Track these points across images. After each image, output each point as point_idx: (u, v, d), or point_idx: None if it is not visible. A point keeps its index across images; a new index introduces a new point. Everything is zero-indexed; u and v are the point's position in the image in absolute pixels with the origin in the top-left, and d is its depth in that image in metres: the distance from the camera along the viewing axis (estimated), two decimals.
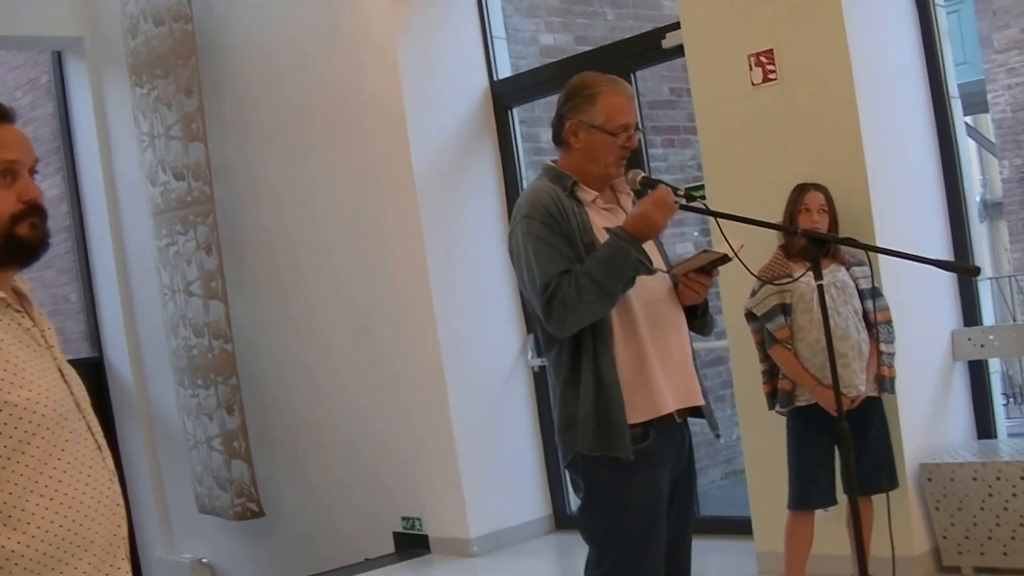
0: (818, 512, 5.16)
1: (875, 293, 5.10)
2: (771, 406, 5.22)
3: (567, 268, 3.38)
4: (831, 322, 4.86)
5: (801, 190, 5.12)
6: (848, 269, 5.05)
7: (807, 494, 5.08)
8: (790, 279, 4.92)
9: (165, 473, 9.72)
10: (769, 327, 5.04)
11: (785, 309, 5.02)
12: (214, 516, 8.87)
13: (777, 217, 5.03)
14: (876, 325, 5.06)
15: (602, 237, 3.44)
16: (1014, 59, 15.49)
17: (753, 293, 5.14)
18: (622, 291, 3.37)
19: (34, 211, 2.34)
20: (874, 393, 5.01)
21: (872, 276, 5.05)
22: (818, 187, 5.12)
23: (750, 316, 5.15)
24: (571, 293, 3.32)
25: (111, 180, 9.63)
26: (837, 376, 3.75)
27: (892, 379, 5.07)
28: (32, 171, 2.37)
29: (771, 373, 5.18)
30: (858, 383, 4.91)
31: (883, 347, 5.07)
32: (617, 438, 3.39)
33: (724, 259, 3.48)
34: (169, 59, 8.53)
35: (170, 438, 9.46)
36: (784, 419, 5.16)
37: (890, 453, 5.06)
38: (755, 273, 4.72)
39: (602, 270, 3.33)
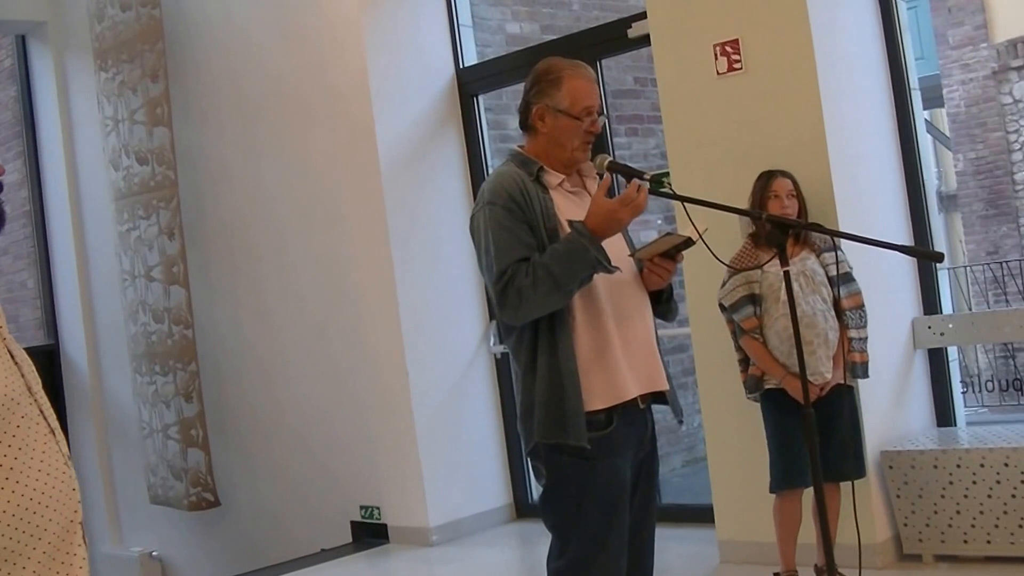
0: None
1: (846, 278, 5.13)
2: (748, 396, 5.26)
3: (525, 256, 3.37)
4: (800, 310, 4.92)
5: (769, 177, 5.14)
6: (819, 255, 5.07)
7: (791, 472, 5.07)
8: (759, 268, 4.95)
9: (116, 464, 9.63)
10: (736, 318, 5.07)
11: (754, 299, 5.04)
12: (167, 507, 8.77)
13: (740, 205, 5.05)
14: (846, 311, 5.09)
15: (566, 223, 3.43)
16: (968, 55, 15.71)
17: (723, 284, 5.17)
18: (578, 287, 3.36)
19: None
20: (843, 381, 5.03)
21: (846, 261, 5.10)
22: (784, 173, 5.15)
23: (722, 307, 5.18)
24: (526, 284, 3.31)
25: (72, 165, 9.56)
26: (804, 363, 3.76)
27: (864, 364, 5.10)
28: None
29: (747, 362, 5.21)
30: (823, 370, 4.94)
31: (853, 333, 5.09)
32: (573, 426, 3.37)
33: (688, 243, 3.47)
34: (135, 44, 8.48)
35: (123, 428, 9.38)
36: (752, 407, 5.21)
37: (858, 442, 5.09)
38: (726, 263, 4.75)
39: (558, 265, 3.32)
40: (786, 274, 3.68)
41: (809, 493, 5.14)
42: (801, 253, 5.05)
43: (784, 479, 5.13)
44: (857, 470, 5.04)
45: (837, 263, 5.00)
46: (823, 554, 4.95)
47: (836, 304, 5.05)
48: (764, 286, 5.03)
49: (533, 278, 3.31)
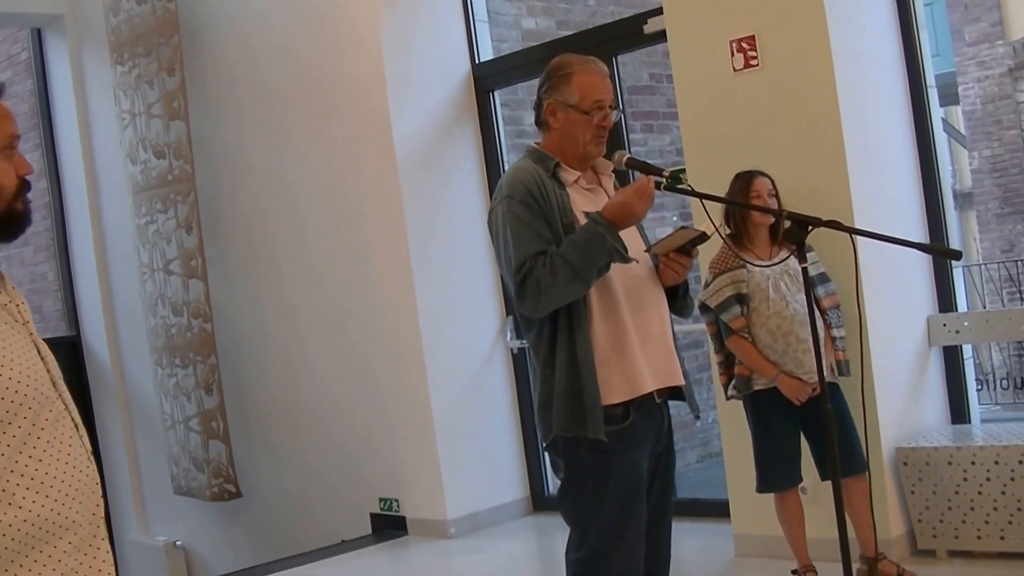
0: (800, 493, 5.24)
1: (823, 278, 5.17)
2: (728, 396, 5.28)
3: (542, 249, 3.40)
4: (790, 309, 4.95)
5: (749, 177, 5.15)
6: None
7: (770, 477, 5.16)
8: (764, 264, 4.97)
9: (140, 454, 9.70)
10: (724, 318, 5.08)
11: (741, 299, 5.06)
12: (190, 497, 8.85)
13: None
14: (826, 311, 5.11)
15: (583, 218, 3.46)
16: (984, 52, 15.66)
17: (706, 284, 5.18)
18: (596, 276, 3.40)
19: (26, 186, 2.32)
20: (832, 379, 5.02)
21: (819, 263, 5.13)
22: (763, 173, 5.16)
23: (703, 308, 5.17)
24: (545, 274, 3.35)
25: (90, 158, 9.61)
26: (820, 359, 3.77)
27: (847, 362, 5.12)
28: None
29: (727, 363, 5.24)
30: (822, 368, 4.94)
31: (835, 332, 5.13)
32: (591, 419, 3.41)
33: (703, 237, 3.50)
34: (151, 37, 8.51)
35: (146, 418, 9.44)
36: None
37: (854, 436, 5.04)
38: (744, 257, 4.77)
39: (577, 253, 3.35)
40: (804, 271, 3.70)
41: (823, 492, 5.19)
42: (780, 252, 5.07)
43: (768, 482, 5.18)
44: (859, 464, 5.00)
45: (834, 261, 5.00)
46: (865, 545, 5.01)
47: (818, 303, 5.05)
48: (751, 285, 5.04)
49: (551, 268, 3.34)
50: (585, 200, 3.55)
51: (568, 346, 3.44)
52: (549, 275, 3.35)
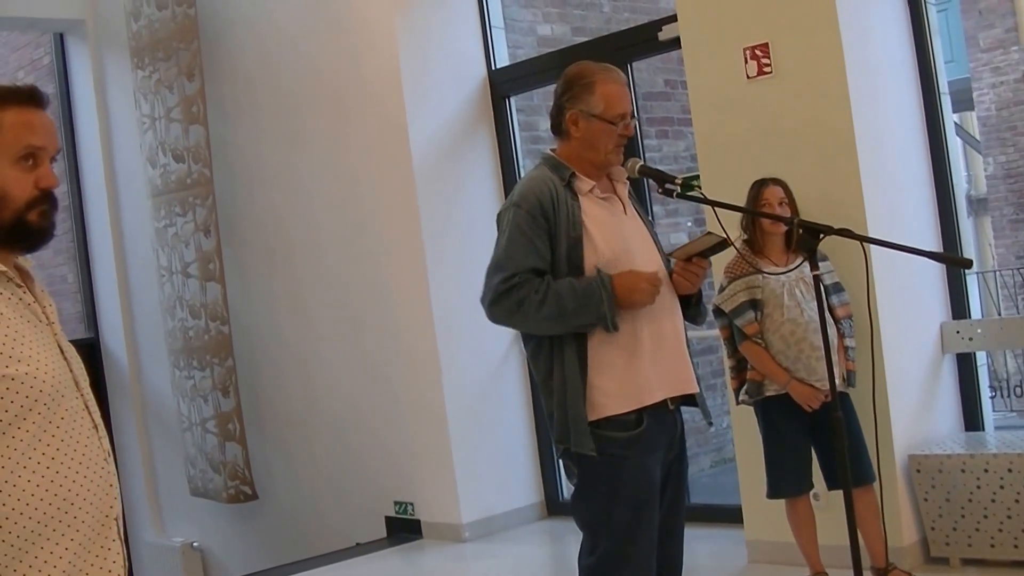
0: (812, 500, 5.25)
1: (837, 287, 5.18)
2: (738, 400, 5.30)
3: (535, 265, 3.46)
4: (804, 316, 4.96)
5: (760, 186, 5.17)
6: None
7: (780, 483, 5.18)
8: (779, 271, 4.99)
9: (157, 456, 9.75)
10: (738, 323, 5.09)
11: (755, 304, 5.07)
12: (207, 499, 8.89)
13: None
14: (839, 320, 5.12)
15: (593, 230, 3.52)
16: (999, 58, 15.59)
17: (721, 289, 5.20)
18: (574, 329, 3.45)
19: (46, 199, 2.35)
20: (841, 388, 5.01)
21: (835, 271, 5.14)
22: (776, 181, 5.18)
23: (717, 312, 5.18)
24: (533, 299, 3.42)
25: (110, 162, 9.67)
26: (832, 364, 3.78)
27: (854, 373, 5.13)
28: (52, 159, 2.37)
29: (739, 368, 5.25)
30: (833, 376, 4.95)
31: (847, 341, 5.13)
32: (574, 433, 3.47)
33: (723, 244, 3.54)
34: (171, 42, 8.57)
35: (163, 420, 9.49)
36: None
37: (861, 447, 5.02)
38: (757, 266, 4.79)
39: (574, 300, 3.41)
40: (816, 278, 3.72)
41: (835, 499, 5.21)
42: (795, 259, 5.08)
43: (778, 488, 5.20)
44: (867, 475, 5.00)
45: (848, 270, 5.01)
46: (874, 556, 5.02)
47: (831, 312, 5.05)
48: (766, 292, 5.06)
49: (543, 297, 3.41)
50: (600, 210, 3.58)
51: (560, 360, 3.49)
52: (538, 302, 3.41)
